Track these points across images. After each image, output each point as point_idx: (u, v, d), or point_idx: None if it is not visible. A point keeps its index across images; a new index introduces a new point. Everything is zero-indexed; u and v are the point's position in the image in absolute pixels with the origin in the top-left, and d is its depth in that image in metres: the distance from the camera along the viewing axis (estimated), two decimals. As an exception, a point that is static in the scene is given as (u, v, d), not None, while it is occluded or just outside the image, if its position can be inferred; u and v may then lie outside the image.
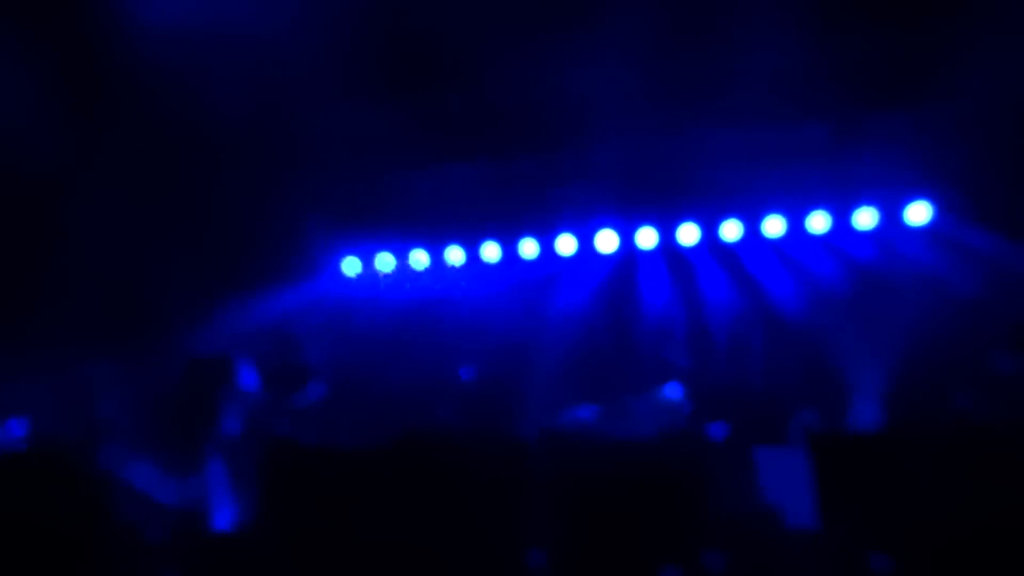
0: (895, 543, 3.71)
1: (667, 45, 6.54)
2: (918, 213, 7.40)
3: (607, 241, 8.06)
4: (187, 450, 5.86)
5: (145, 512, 5.51)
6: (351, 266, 8.63)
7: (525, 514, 4.01)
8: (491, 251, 8.36)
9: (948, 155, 7.02)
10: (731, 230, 7.84)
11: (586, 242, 8.15)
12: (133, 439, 6.43)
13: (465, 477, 4.09)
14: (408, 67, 6.67)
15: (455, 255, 8.44)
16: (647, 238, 8.00)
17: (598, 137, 7.12)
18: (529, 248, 8.28)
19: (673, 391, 6.82)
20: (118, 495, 5.62)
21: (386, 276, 8.54)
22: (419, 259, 8.53)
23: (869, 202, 7.50)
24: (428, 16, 6.03)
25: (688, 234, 7.92)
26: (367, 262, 8.61)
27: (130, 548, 4.53)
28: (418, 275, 8.55)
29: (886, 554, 3.75)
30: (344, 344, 8.08)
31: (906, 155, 7.14)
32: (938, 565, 3.58)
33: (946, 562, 3.59)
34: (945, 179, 7.18)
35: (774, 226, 7.74)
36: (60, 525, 4.18)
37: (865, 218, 7.54)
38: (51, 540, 4.08)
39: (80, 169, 6.49)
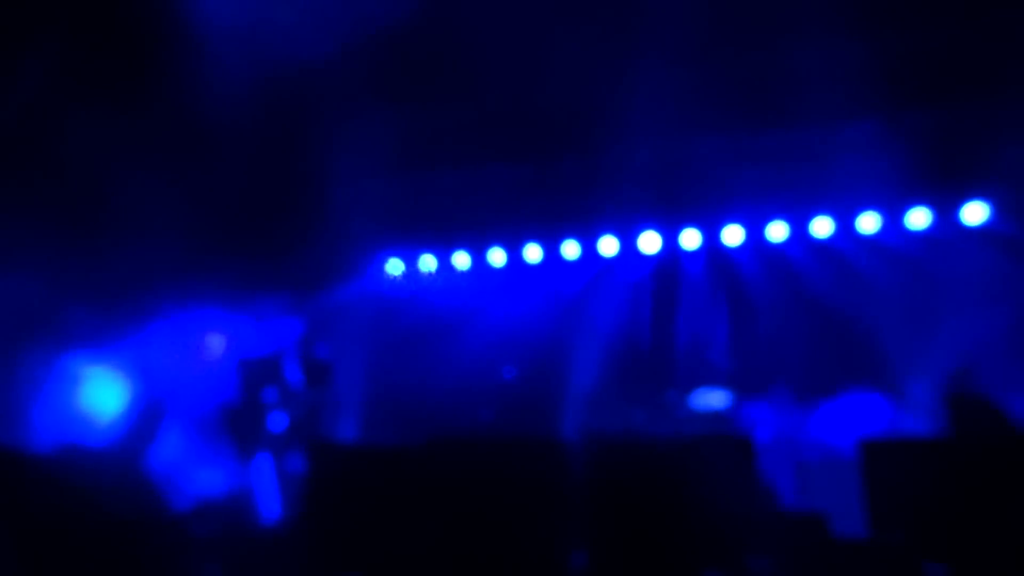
0: (951, 552, 3.60)
1: (708, 44, 6.46)
2: (974, 213, 7.18)
3: (649, 242, 8.01)
4: (235, 447, 5.97)
5: (194, 507, 5.62)
6: (394, 267, 8.72)
7: (567, 515, 3.99)
8: (533, 252, 8.38)
9: (1005, 153, 6.80)
10: (777, 231, 7.72)
11: (628, 243, 8.10)
12: (183, 435, 6.58)
13: (507, 478, 4.08)
14: (449, 69, 6.69)
15: (497, 256, 8.49)
16: (690, 239, 7.92)
17: (639, 138, 7.05)
18: (571, 249, 8.27)
19: (717, 393, 6.75)
20: (167, 490, 5.75)
21: (429, 277, 8.61)
22: (461, 260, 8.61)
23: (922, 202, 7.31)
24: (468, 17, 6.05)
25: (733, 235, 7.81)
26: (410, 263, 8.69)
27: (178, 543, 4.62)
28: (460, 276, 8.61)
29: (941, 564, 3.64)
30: (387, 344, 8.15)
31: (961, 153, 6.94)
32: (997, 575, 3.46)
33: (1005, 573, 3.47)
34: (1002, 178, 6.96)
35: (822, 227, 7.59)
36: (110, 520, 4.28)
37: (918, 218, 7.35)
38: (101, 535, 4.18)
39: (129, 170, 6.65)
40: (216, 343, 7.18)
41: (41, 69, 5.88)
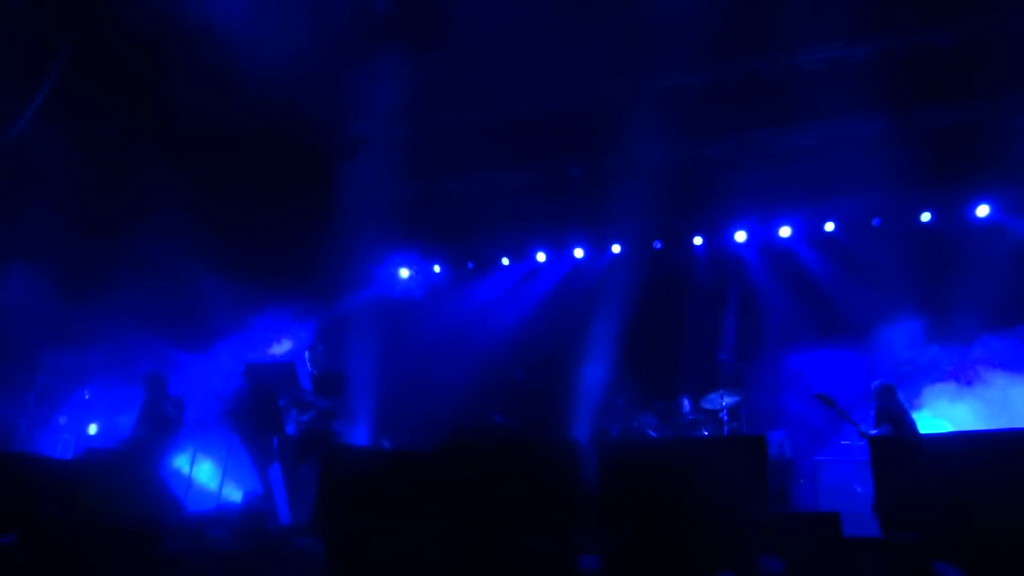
0: (962, 552, 3.61)
1: (715, 47, 6.49)
2: (980, 210, 7.21)
3: (658, 243, 8.04)
4: (251, 451, 6.03)
5: (209, 511, 5.68)
6: (405, 272, 8.78)
7: (579, 518, 4.01)
8: (542, 255, 8.44)
9: (1011, 151, 6.80)
10: (785, 230, 7.75)
11: (635, 244, 8.13)
12: (199, 440, 6.65)
13: (519, 480, 4.11)
14: (460, 77, 6.75)
15: (507, 260, 8.57)
16: (699, 239, 7.96)
17: (646, 141, 7.08)
18: (580, 252, 8.33)
19: (725, 396, 6.73)
20: (183, 494, 5.81)
21: (439, 281, 8.67)
22: (471, 265, 8.68)
23: (929, 200, 7.32)
24: (480, 25, 6.09)
25: (741, 235, 7.84)
26: (421, 268, 8.75)
27: (192, 546, 4.67)
28: (470, 280, 8.67)
29: (952, 564, 3.65)
30: (399, 349, 8.18)
31: (964, 151, 6.94)
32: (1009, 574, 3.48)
33: (1018, 572, 3.48)
34: (1006, 175, 6.96)
35: (830, 225, 7.61)
36: (126, 523, 4.32)
37: (927, 215, 7.38)
38: (119, 537, 4.22)
39: (148, 180, 6.74)
40: (230, 349, 7.25)
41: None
